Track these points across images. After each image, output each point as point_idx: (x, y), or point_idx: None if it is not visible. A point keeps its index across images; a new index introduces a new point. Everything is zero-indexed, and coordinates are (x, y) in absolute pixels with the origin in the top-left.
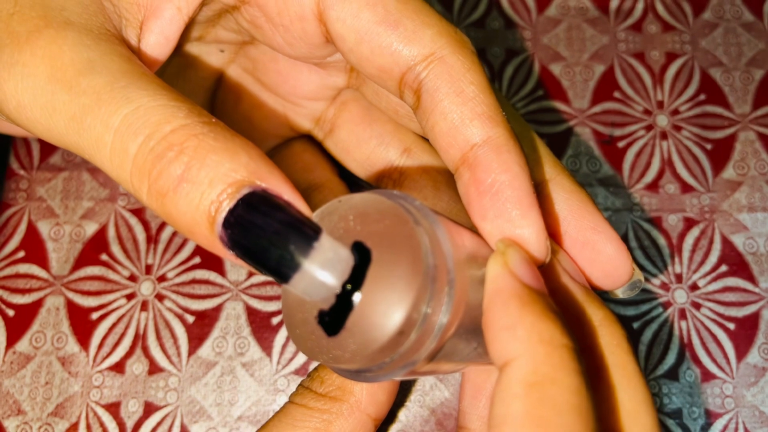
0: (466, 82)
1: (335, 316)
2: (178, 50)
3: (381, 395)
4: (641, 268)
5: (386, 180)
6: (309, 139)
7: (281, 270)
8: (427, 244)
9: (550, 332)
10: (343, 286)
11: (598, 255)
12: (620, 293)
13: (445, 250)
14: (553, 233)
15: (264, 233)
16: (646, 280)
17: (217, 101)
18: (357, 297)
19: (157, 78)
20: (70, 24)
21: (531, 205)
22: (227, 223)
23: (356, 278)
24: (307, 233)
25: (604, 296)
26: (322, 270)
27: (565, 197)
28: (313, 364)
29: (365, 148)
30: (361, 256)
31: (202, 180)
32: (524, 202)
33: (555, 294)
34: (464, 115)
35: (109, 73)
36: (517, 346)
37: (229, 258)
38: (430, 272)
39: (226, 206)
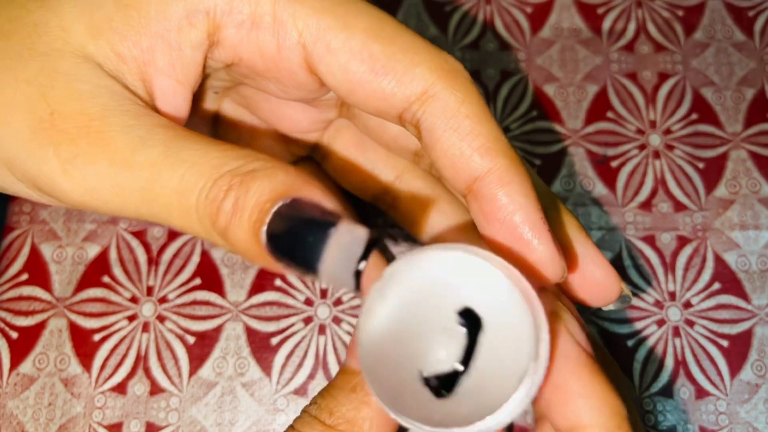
0: (461, 116)
1: (446, 380)
2: None
3: None
4: (635, 286)
5: (380, 203)
6: (312, 160)
7: (307, 263)
8: (543, 319)
9: (617, 405)
10: (464, 357)
11: (586, 281)
12: (611, 307)
13: (547, 325)
14: None
15: (290, 235)
16: (638, 296)
17: (219, 134)
18: (471, 364)
19: (201, 135)
20: (108, 110)
21: (541, 230)
22: (270, 237)
23: (469, 345)
24: (321, 225)
25: (596, 311)
26: (340, 255)
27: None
28: (313, 387)
29: (359, 174)
30: (472, 322)
31: (247, 206)
32: (534, 228)
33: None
34: (463, 151)
35: (160, 144)
36: (592, 415)
37: (284, 271)
38: (543, 350)
39: (265, 222)
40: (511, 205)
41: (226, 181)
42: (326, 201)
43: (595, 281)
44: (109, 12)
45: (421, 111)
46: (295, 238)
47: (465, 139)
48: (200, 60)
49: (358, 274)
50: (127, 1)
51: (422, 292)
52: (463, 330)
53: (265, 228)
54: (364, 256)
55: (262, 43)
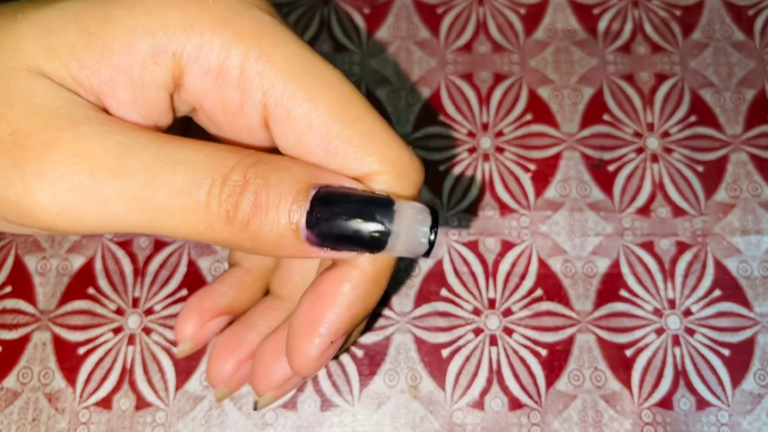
0: None
1: None
2: None
3: None
4: (633, 294)
5: None
6: None
7: (376, 240)
8: None
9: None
10: None
11: (292, 347)
12: (259, 400)
13: None
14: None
15: (347, 216)
16: (636, 305)
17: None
18: None
19: (183, 137)
20: (75, 120)
21: (324, 343)
22: (310, 223)
23: None
24: (383, 202)
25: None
26: (410, 226)
27: None
28: (302, 400)
29: None
30: None
31: (272, 198)
32: (322, 339)
33: None
34: None
35: (149, 146)
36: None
37: (319, 255)
38: None
39: (304, 209)
40: (330, 309)
41: (239, 175)
42: (355, 184)
43: (295, 351)
44: (71, 37)
45: None
46: (349, 221)
47: None
48: (165, 99)
49: (431, 242)
50: (92, 29)
51: None
52: None
53: (304, 219)
54: (434, 224)
55: (226, 96)
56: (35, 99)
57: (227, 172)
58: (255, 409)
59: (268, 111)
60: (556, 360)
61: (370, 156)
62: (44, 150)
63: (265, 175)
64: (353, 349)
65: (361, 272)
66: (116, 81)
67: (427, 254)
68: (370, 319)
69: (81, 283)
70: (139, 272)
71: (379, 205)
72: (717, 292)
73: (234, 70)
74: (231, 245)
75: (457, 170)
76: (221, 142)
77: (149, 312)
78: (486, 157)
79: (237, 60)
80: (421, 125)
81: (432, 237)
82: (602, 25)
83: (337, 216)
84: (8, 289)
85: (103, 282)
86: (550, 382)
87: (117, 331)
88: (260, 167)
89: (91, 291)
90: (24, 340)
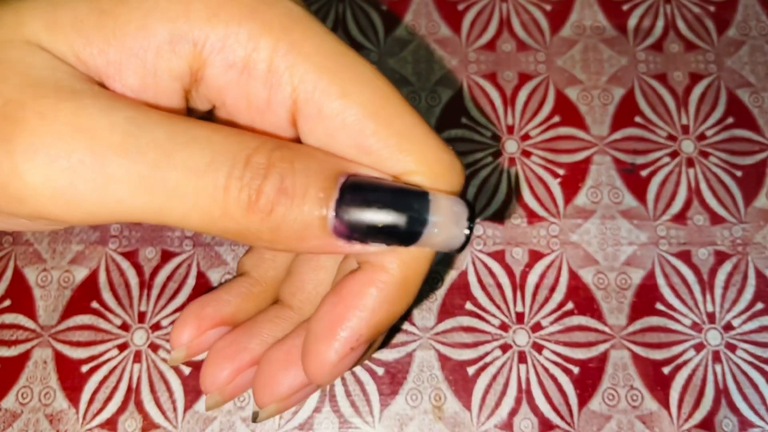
0: None
1: None
2: None
3: None
4: (669, 307)
5: None
6: None
7: (412, 230)
8: None
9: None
10: None
11: (308, 350)
12: (260, 412)
13: None
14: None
15: (380, 205)
16: (674, 319)
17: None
18: None
19: (198, 119)
20: (78, 92)
21: (344, 348)
22: (339, 212)
23: None
24: (418, 192)
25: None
26: (447, 217)
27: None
28: (320, 421)
29: None
30: None
31: (298, 185)
32: (342, 345)
33: None
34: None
35: (160, 124)
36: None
37: (343, 250)
38: None
39: (333, 198)
40: (353, 312)
41: (263, 158)
42: (385, 175)
43: (312, 355)
44: (80, 13)
45: None
46: (384, 210)
47: None
48: (178, 91)
49: (467, 236)
50: (105, 8)
51: None
52: None
53: (333, 208)
54: (471, 217)
55: (253, 92)
56: (33, 71)
57: (250, 154)
58: (254, 421)
59: (298, 107)
60: (589, 378)
61: (406, 155)
62: (40, 123)
63: (290, 159)
64: (373, 366)
65: (390, 276)
66: (125, 64)
67: (462, 248)
68: (390, 333)
69: (84, 297)
70: (145, 285)
71: (414, 195)
72: (759, 305)
73: (262, 63)
74: (245, 237)
75: (481, 176)
76: None
77: (156, 327)
78: (512, 162)
79: (265, 53)
80: (442, 128)
81: (468, 230)
82: (632, 21)
83: (370, 205)
84: (7, 302)
85: (107, 295)
86: (582, 402)
87: (122, 347)
88: (285, 151)
89: (94, 305)
90: (23, 357)
